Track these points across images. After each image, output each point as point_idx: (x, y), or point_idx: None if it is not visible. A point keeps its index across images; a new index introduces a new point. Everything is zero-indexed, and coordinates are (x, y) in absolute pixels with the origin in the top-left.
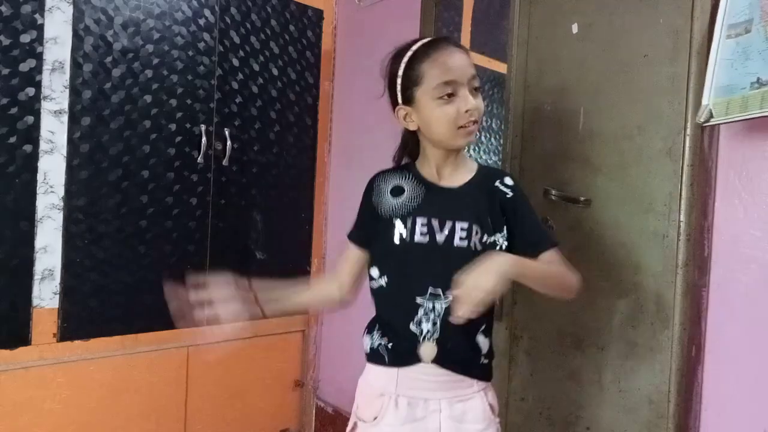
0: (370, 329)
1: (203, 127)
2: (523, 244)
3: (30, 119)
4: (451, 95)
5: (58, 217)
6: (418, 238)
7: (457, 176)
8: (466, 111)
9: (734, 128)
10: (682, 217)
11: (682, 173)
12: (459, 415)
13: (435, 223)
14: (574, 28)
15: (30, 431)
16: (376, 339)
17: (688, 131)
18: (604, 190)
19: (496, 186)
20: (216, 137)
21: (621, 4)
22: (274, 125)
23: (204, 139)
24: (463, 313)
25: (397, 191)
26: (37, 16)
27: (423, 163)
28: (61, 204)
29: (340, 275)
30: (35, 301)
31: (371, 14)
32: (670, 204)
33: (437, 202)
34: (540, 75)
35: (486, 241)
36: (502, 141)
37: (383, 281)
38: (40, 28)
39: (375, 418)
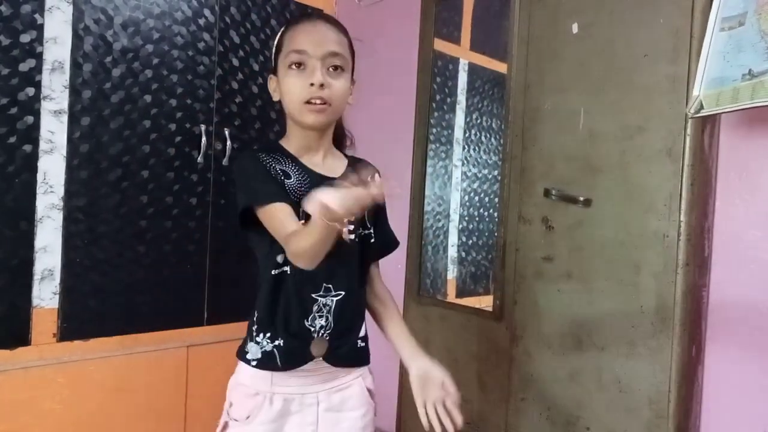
0: (251, 336)
1: (203, 127)
2: (380, 241)
3: (30, 119)
4: (300, 65)
5: (58, 217)
6: None
7: (333, 163)
8: (311, 85)
9: (735, 128)
10: (682, 217)
11: (682, 173)
12: (338, 405)
13: None
14: (574, 28)
15: (30, 431)
16: (266, 344)
17: (689, 131)
18: (605, 190)
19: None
20: (216, 137)
21: (621, 4)
22: (273, 125)
23: (204, 139)
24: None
25: (284, 175)
26: (36, 15)
27: (290, 145)
28: (61, 204)
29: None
30: (35, 301)
31: (371, 14)
32: (671, 204)
33: None
34: (540, 75)
35: (363, 234)
36: (502, 141)
37: (287, 268)
38: (40, 28)
39: (248, 417)
